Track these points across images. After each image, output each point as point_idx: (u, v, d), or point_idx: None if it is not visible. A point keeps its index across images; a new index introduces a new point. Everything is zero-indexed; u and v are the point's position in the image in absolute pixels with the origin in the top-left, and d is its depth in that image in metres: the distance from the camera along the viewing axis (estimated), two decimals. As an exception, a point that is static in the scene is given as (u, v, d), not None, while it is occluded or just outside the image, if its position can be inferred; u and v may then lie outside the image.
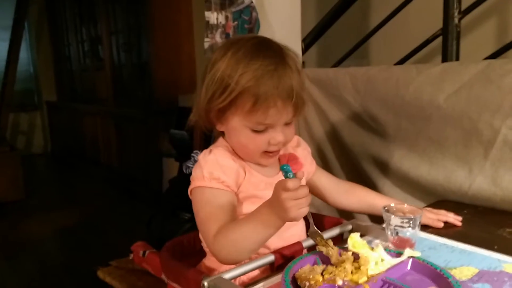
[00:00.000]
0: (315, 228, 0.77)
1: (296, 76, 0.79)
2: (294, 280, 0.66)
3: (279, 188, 0.67)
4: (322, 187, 1.02)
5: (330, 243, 0.73)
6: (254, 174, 0.86)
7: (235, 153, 0.86)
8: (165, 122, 3.15)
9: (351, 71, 1.38)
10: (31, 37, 5.68)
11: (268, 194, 0.79)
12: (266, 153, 0.83)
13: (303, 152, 0.97)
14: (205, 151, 0.85)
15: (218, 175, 0.80)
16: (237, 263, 0.76)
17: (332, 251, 0.71)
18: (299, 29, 1.60)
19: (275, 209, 0.68)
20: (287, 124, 0.82)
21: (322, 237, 0.75)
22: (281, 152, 0.93)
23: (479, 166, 1.08)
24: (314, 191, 1.03)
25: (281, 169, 0.70)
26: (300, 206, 0.67)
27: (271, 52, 0.79)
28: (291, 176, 0.70)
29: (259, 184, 0.85)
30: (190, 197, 0.84)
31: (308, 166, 0.97)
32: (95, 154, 4.47)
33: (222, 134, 0.89)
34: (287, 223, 0.87)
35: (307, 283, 0.63)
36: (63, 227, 2.99)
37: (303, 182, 0.95)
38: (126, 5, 3.85)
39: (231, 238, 0.73)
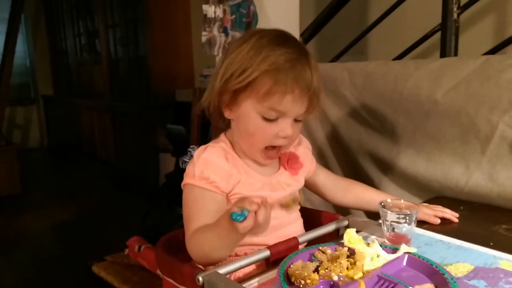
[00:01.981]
0: None
1: (315, 72, 0.80)
2: (289, 276, 0.66)
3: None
4: (320, 184, 1.02)
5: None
6: (251, 174, 0.85)
7: (234, 151, 0.85)
8: (162, 117, 3.15)
9: (349, 66, 1.37)
10: (27, 30, 5.64)
11: (263, 193, 0.79)
12: (268, 150, 0.82)
13: (304, 151, 0.96)
14: (201, 148, 0.84)
15: (208, 175, 0.79)
16: (208, 265, 0.77)
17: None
18: (297, 24, 1.59)
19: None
20: (297, 121, 0.82)
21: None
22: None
23: (476, 162, 1.08)
24: (312, 188, 1.03)
25: (231, 217, 0.65)
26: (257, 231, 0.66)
27: (294, 43, 0.81)
28: (241, 220, 0.64)
29: (255, 184, 0.84)
30: (182, 190, 0.84)
31: (308, 165, 0.97)
32: (92, 148, 4.45)
33: (227, 124, 0.87)
34: (284, 221, 0.87)
35: (303, 282, 0.63)
36: (59, 221, 2.98)
37: (301, 181, 0.94)
38: (123, -2, 3.83)
39: (200, 242, 0.74)
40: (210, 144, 0.86)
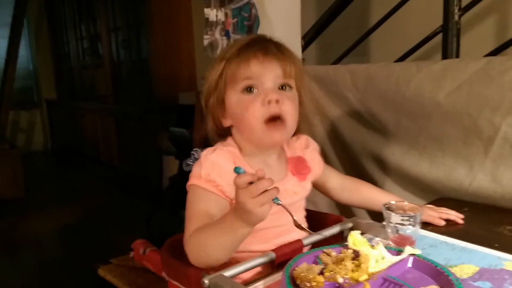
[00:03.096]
0: (296, 220, 0.73)
1: (283, 45, 0.85)
2: (294, 279, 0.66)
3: (235, 189, 0.66)
4: (327, 185, 1.02)
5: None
6: None
7: (242, 153, 0.85)
8: (165, 120, 3.15)
9: (351, 68, 1.37)
10: (30, 34, 5.66)
11: None
12: (268, 124, 0.81)
13: (312, 153, 0.96)
14: (209, 149, 0.85)
15: (214, 178, 0.79)
16: (205, 267, 0.75)
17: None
18: (299, 26, 1.60)
19: (238, 212, 0.66)
20: (284, 90, 0.83)
21: (306, 229, 0.74)
22: (289, 155, 0.92)
23: (479, 163, 1.08)
24: (319, 188, 1.03)
25: (234, 171, 0.67)
26: (259, 203, 0.63)
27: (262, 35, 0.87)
28: (242, 172, 0.66)
29: None
30: (187, 190, 0.84)
31: (316, 169, 0.96)
32: (95, 151, 4.46)
33: (228, 132, 0.89)
34: (289, 227, 0.86)
35: (308, 284, 0.63)
36: (63, 224, 2.99)
37: (308, 187, 0.94)
38: (125, 2, 3.84)
39: (200, 242, 0.72)
40: (219, 146, 0.86)
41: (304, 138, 0.96)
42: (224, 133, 0.89)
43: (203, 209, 0.78)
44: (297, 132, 0.93)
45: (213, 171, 0.80)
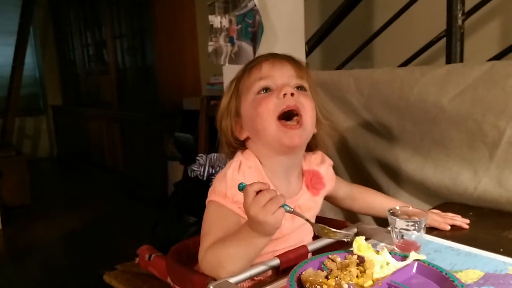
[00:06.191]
0: (309, 221, 0.74)
1: (293, 56, 0.87)
2: (300, 284, 0.66)
3: (243, 206, 0.68)
4: (337, 196, 1.03)
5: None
6: None
7: (262, 170, 0.84)
8: (169, 125, 3.17)
9: (355, 73, 1.37)
10: (36, 42, 5.72)
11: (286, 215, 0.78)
12: (283, 122, 0.80)
13: (328, 169, 0.96)
14: (234, 165, 0.82)
15: (240, 199, 0.77)
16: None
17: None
18: (302, 32, 1.60)
19: (253, 226, 0.68)
20: (300, 90, 0.83)
21: (327, 228, 0.74)
22: (305, 168, 0.92)
23: (484, 167, 1.08)
24: (329, 200, 1.04)
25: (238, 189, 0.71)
26: (270, 211, 0.65)
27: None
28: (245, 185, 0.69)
29: None
30: (207, 204, 0.83)
31: (329, 185, 0.96)
32: (100, 157, 4.49)
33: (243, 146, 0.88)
34: (296, 234, 0.87)
35: (319, 287, 0.63)
36: (69, 230, 3.00)
37: (320, 203, 0.94)
38: (130, 9, 3.88)
39: (216, 254, 0.72)
40: (243, 160, 0.84)
41: (319, 154, 0.96)
42: (238, 148, 0.88)
43: (223, 227, 0.77)
44: (314, 148, 0.94)
45: (239, 192, 0.78)
